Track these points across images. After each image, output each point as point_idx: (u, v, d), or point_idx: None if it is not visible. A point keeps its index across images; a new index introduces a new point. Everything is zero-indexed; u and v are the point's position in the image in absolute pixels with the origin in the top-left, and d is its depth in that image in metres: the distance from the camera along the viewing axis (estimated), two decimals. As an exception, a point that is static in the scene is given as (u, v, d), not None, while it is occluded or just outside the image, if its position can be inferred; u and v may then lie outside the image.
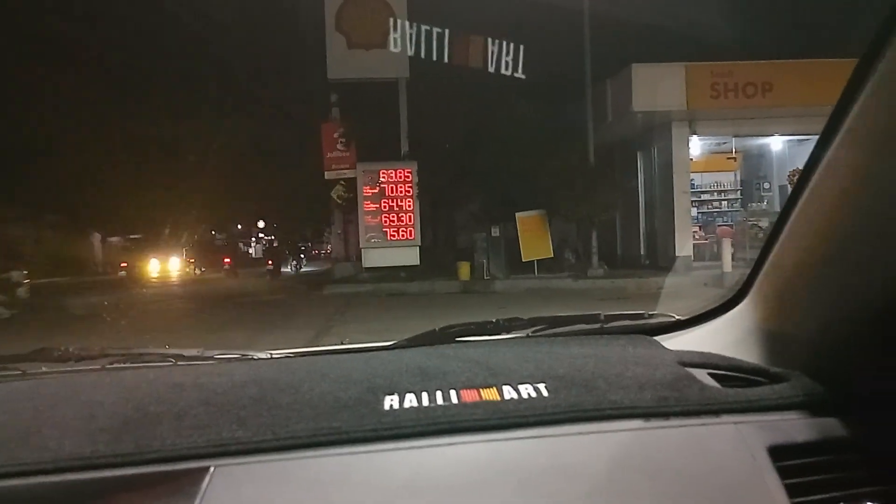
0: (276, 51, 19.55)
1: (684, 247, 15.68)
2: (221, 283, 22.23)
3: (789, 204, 1.02)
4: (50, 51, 17.06)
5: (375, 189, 16.46)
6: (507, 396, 0.97)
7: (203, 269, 31.10)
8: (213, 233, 40.98)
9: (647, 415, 0.93)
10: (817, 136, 0.93)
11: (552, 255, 16.00)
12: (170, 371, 1.20)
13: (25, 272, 13.68)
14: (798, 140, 16.67)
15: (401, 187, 16.49)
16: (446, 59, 13.55)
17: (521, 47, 13.26)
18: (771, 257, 1.11)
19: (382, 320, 9.85)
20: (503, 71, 13.16)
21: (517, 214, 15.76)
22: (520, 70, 13.27)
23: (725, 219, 17.78)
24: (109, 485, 0.81)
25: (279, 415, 0.92)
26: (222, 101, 21.94)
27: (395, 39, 14.97)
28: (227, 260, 27.49)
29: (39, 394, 1.07)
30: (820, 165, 0.92)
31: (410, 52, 14.39)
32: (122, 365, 1.34)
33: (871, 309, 0.94)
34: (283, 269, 23.65)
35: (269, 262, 22.83)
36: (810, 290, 1.03)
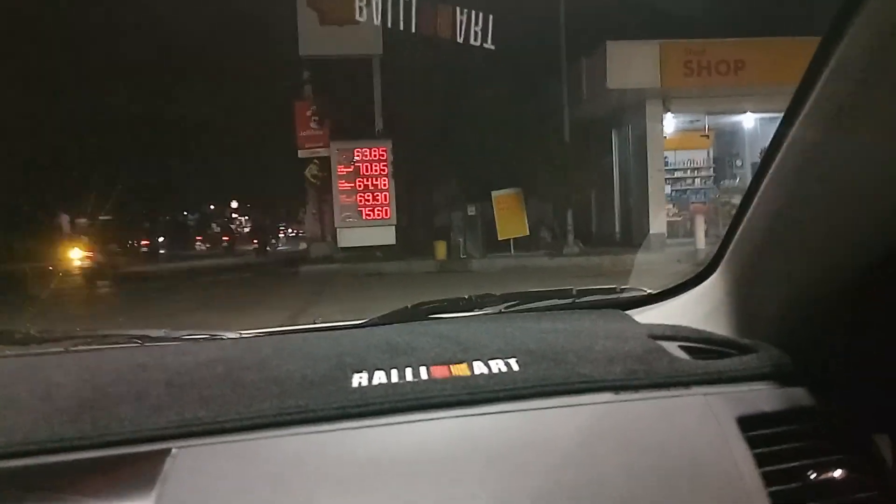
0: (248, 27, 19.15)
1: (658, 224, 15.84)
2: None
3: (756, 179, 1.03)
4: (8, 25, 16.52)
5: (350, 168, 16.31)
6: (477, 372, 0.96)
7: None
8: (185, 213, 40.44)
9: (616, 388, 0.93)
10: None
11: (528, 234, 16.07)
12: (134, 352, 1.18)
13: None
14: (770, 117, 16.83)
15: (376, 166, 16.36)
16: (421, 34, 13.37)
17: (492, 18, 13.13)
18: (739, 231, 1.12)
19: (359, 300, 9.82)
20: (474, 42, 13.02)
21: (493, 193, 15.77)
22: (491, 41, 13.14)
23: (699, 196, 17.97)
24: (66, 469, 0.79)
25: (244, 393, 0.90)
26: (193, 80, 21.50)
27: (368, 15, 14.74)
28: (225, 238, 28.08)
29: None
30: (784, 143, 0.93)
31: (385, 26, 14.18)
32: (87, 347, 1.31)
33: (836, 280, 0.95)
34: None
35: (255, 240, 23.16)
36: (777, 263, 1.04)
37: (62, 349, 1.29)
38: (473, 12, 12.88)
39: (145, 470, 0.78)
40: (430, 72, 15.76)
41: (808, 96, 0.85)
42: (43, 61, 16.99)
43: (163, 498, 0.75)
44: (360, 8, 13.62)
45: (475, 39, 13.12)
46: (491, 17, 12.79)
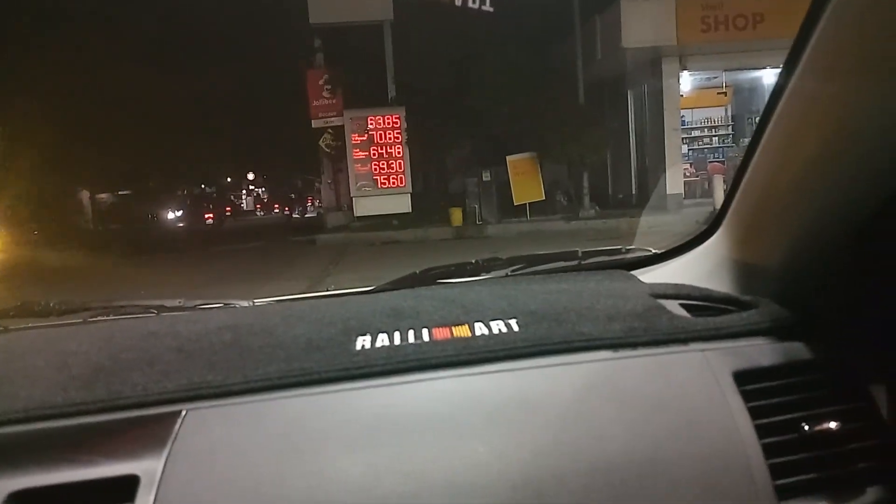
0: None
1: (675, 185, 15.66)
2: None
3: (757, 134, 1.02)
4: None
5: (364, 136, 16.25)
6: (478, 333, 0.98)
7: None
8: (203, 186, 40.68)
9: (615, 345, 0.94)
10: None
11: (544, 198, 15.96)
12: (147, 321, 1.21)
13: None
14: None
15: (389, 134, 16.29)
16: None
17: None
18: (741, 187, 1.11)
19: (377, 268, 9.88)
20: (486, 6, 12.78)
21: (508, 158, 15.65)
22: (493, 3, 12.87)
23: (717, 155, 17.70)
24: (80, 431, 0.83)
25: (251, 358, 0.93)
26: (205, 52, 21.40)
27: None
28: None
29: (13, 346, 1.08)
30: (783, 95, 0.92)
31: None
32: (104, 318, 1.35)
33: (836, 234, 0.95)
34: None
35: (287, 208, 24.19)
36: (777, 218, 1.04)
37: (80, 320, 1.33)
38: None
39: (156, 431, 0.81)
40: (442, 36, 15.54)
41: (807, 45, 0.84)
42: (56, 35, 16.97)
43: (173, 458, 0.78)
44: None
45: (479, 2, 12.87)
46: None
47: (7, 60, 15.14)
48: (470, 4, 12.62)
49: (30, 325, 1.33)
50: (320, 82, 16.77)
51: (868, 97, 0.81)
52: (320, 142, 17.36)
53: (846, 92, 0.83)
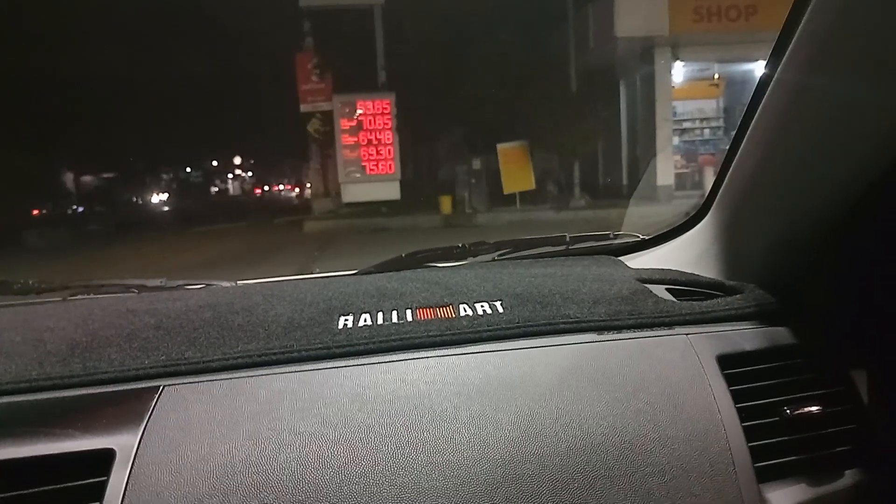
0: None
1: (665, 176, 15.68)
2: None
3: (743, 124, 1.02)
4: None
5: (353, 122, 16.13)
6: (462, 314, 0.97)
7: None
8: (188, 170, 40.39)
9: (599, 328, 0.94)
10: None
11: (534, 187, 15.95)
12: (127, 300, 1.19)
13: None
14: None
15: (379, 119, 16.17)
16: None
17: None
18: (728, 175, 1.11)
19: (364, 255, 9.83)
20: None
21: (498, 146, 15.59)
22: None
23: (708, 147, 17.73)
24: (56, 406, 0.81)
25: (231, 335, 0.92)
26: (193, 33, 21.15)
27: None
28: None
29: None
30: (769, 86, 0.93)
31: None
32: (84, 296, 1.33)
33: (819, 222, 0.95)
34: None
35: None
36: (763, 206, 1.04)
37: (59, 298, 1.31)
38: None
39: (133, 407, 0.80)
40: (433, 21, 15.42)
41: (792, 36, 0.85)
42: (43, 17, 16.71)
43: (149, 433, 0.77)
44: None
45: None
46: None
47: None
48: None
49: (8, 303, 1.31)
50: (309, 66, 16.59)
51: (851, 89, 0.82)
52: (308, 126, 17.22)
53: (830, 83, 0.84)
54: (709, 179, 13.35)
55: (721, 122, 18.13)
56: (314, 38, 16.80)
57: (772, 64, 0.91)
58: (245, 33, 20.37)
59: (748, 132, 1.01)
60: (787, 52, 0.87)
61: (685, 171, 16.87)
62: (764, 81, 0.94)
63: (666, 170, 15.74)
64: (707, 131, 18.17)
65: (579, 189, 15.83)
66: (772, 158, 0.98)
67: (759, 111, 0.97)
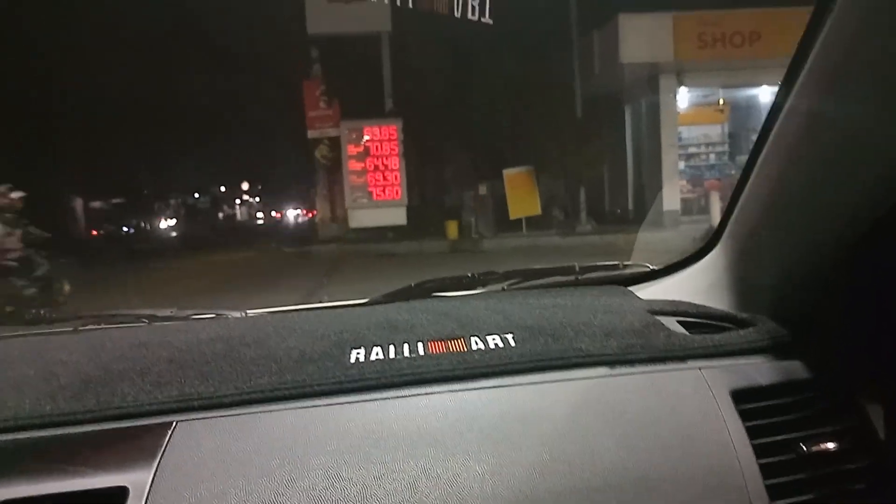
0: (256, 7, 19.01)
1: (672, 201, 15.69)
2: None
3: (755, 151, 1.02)
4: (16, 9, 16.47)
5: (360, 147, 16.24)
6: (474, 347, 0.97)
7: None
8: (196, 195, 40.69)
9: (612, 362, 0.93)
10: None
11: (540, 213, 15.97)
12: (138, 331, 1.19)
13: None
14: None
15: (386, 145, 16.28)
16: (430, 11, 13.25)
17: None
18: (739, 205, 1.11)
19: (371, 281, 9.84)
20: (482, 18, 12.86)
21: (504, 171, 15.65)
22: (494, 16, 12.98)
23: (713, 172, 17.75)
24: (69, 442, 0.81)
25: (243, 369, 0.92)
26: (203, 62, 21.47)
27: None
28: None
29: (3, 355, 1.06)
30: (781, 112, 0.92)
31: (393, 2, 14.00)
32: (95, 326, 1.33)
33: (832, 252, 0.94)
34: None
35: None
36: (775, 235, 1.04)
37: (70, 328, 1.32)
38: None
39: (147, 443, 0.80)
40: (440, 48, 15.58)
41: (804, 65, 0.85)
42: (55, 42, 16.97)
43: (163, 470, 0.76)
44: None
45: (479, 15, 12.91)
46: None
47: (2, 68, 15.12)
48: (469, 16, 12.64)
49: (19, 332, 1.31)
50: (317, 93, 16.76)
51: (864, 116, 0.81)
52: (316, 152, 17.35)
53: (842, 111, 0.83)
54: (715, 204, 13.35)
55: (726, 148, 18.18)
56: (322, 64, 17.00)
57: (783, 92, 0.91)
58: (254, 60, 20.67)
59: (759, 161, 1.01)
60: (798, 80, 0.87)
61: (691, 196, 16.87)
62: (776, 108, 0.94)
63: (672, 195, 15.76)
64: (713, 156, 18.21)
65: (585, 214, 15.83)
66: (784, 188, 0.97)
67: (770, 139, 0.96)
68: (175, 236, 30.58)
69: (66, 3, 17.36)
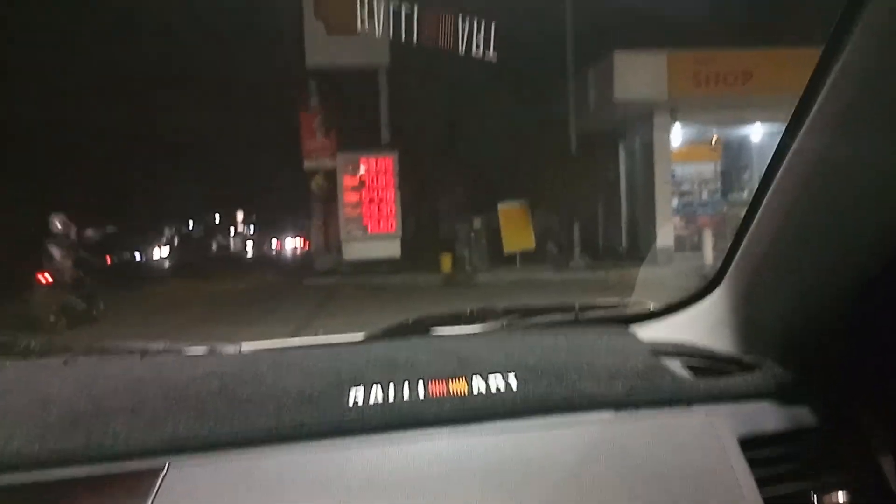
0: (255, 39, 19.32)
1: (665, 237, 15.75)
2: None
3: (760, 191, 1.01)
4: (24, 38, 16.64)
5: (356, 179, 16.32)
6: (475, 388, 0.94)
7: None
8: (190, 225, 40.64)
9: (617, 405, 0.91)
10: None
11: (534, 247, 16.01)
12: (132, 365, 1.17)
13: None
14: (780, 129, 16.70)
15: (381, 177, 16.36)
16: (428, 45, 13.45)
17: (498, 29, 13.15)
18: (743, 244, 1.10)
19: (364, 313, 9.79)
20: (486, 51, 13.08)
21: (499, 206, 15.74)
22: (495, 52, 13.21)
23: (707, 209, 17.88)
24: (59, 485, 0.78)
25: (239, 409, 0.89)
26: (201, 92, 21.66)
27: (374, 25, 14.77)
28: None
29: None
30: (788, 153, 0.92)
31: (389, 37, 14.22)
32: (86, 358, 1.30)
33: (839, 296, 0.93)
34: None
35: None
36: (780, 277, 1.02)
37: (62, 360, 1.29)
38: (479, 23, 12.91)
39: (139, 485, 0.77)
40: (437, 82, 15.76)
41: (812, 105, 0.84)
42: (49, 72, 17.09)
43: None
44: (365, 19, 13.69)
45: (480, 50, 13.14)
46: (494, 27, 12.81)
47: None
48: (474, 53, 12.85)
49: (8, 364, 1.28)
50: (314, 124, 16.91)
51: (875, 157, 0.81)
52: (311, 183, 17.41)
53: (853, 152, 0.82)
54: (708, 241, 13.41)
55: (719, 185, 18.36)
56: (319, 96, 17.18)
57: (791, 131, 0.90)
58: (252, 91, 20.89)
59: (765, 201, 1.00)
60: (807, 120, 0.86)
61: (684, 232, 16.96)
62: (782, 148, 0.93)
63: (666, 231, 15.83)
64: (705, 194, 18.38)
65: (579, 249, 15.87)
66: (790, 229, 0.96)
67: (777, 178, 0.95)
68: (167, 267, 30.41)
69: (67, 38, 17.58)
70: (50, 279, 9.19)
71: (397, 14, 13.78)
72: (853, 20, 0.75)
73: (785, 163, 0.93)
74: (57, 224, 9.55)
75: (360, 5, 14.94)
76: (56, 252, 9.35)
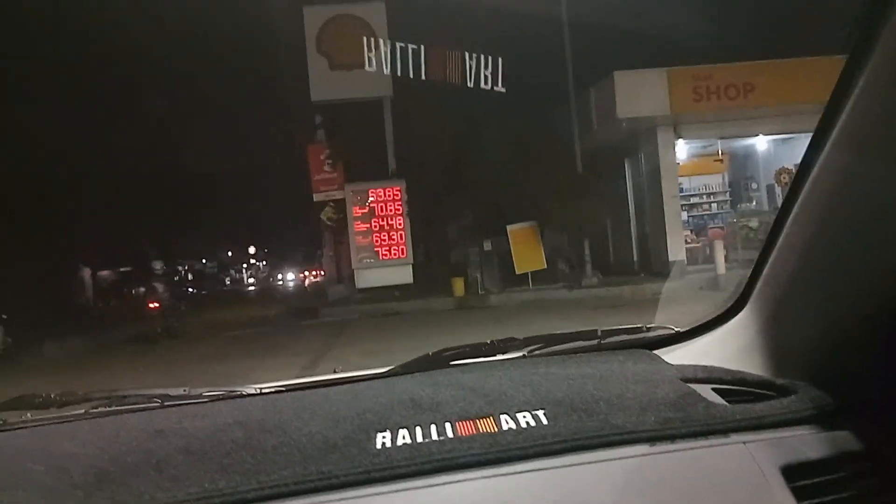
0: (261, 78, 19.57)
1: (677, 251, 15.68)
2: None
3: (784, 208, 0.99)
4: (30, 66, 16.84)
5: (365, 209, 16.42)
6: (504, 426, 0.92)
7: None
8: (204, 261, 40.88)
9: (651, 439, 0.89)
10: (801, 134, 0.91)
11: (545, 266, 15.94)
12: (152, 415, 1.15)
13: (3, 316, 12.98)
14: (783, 139, 16.77)
15: (390, 206, 16.46)
16: (429, 77, 13.59)
17: (501, 60, 13.25)
18: (769, 263, 1.08)
19: (379, 341, 9.75)
20: (484, 85, 13.22)
21: (508, 227, 15.72)
22: (500, 83, 13.33)
23: (716, 221, 17.81)
24: None
25: (265, 460, 0.87)
26: (208, 130, 21.92)
27: (376, 59, 14.95)
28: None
29: (10, 445, 1.02)
30: (813, 169, 0.89)
31: (392, 71, 14.40)
32: (106, 409, 1.29)
33: (873, 313, 0.90)
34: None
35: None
36: (810, 296, 1.00)
37: (81, 411, 1.27)
38: (482, 56, 13.05)
39: None
40: (441, 109, 15.86)
41: (837, 119, 0.82)
42: (59, 115, 17.33)
43: None
44: (370, 57, 13.91)
45: (487, 83, 13.29)
46: (500, 59, 12.95)
47: (9, 138, 15.43)
48: (484, 86, 13.01)
49: (29, 417, 1.27)
50: (321, 157, 17.08)
51: None
52: (322, 215, 17.52)
53: (880, 165, 0.80)
54: (719, 253, 13.32)
55: (727, 196, 18.31)
56: (326, 129, 17.39)
57: (816, 145, 0.88)
58: (259, 128, 21.10)
59: (790, 220, 0.98)
60: (832, 134, 0.84)
61: (695, 245, 16.87)
62: (807, 163, 0.91)
63: (676, 245, 15.76)
64: (714, 206, 18.31)
65: (591, 267, 15.80)
66: (820, 243, 0.94)
67: (803, 194, 0.93)
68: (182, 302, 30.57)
69: (78, 79, 17.85)
70: (157, 306, 17.07)
71: (397, 49, 13.99)
72: (878, 30, 0.73)
73: (811, 178, 0.91)
74: (157, 268, 12.89)
75: (362, 41, 15.19)
76: (159, 287, 15.20)
